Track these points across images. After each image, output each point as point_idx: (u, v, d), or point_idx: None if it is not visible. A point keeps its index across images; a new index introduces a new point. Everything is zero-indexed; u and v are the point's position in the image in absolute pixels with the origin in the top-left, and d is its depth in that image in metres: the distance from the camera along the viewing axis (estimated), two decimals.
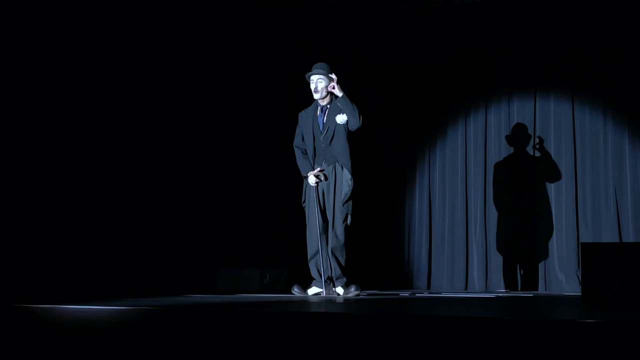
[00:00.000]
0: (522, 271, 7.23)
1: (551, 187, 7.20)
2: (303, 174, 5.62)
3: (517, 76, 7.42)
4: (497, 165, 7.41)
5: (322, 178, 5.54)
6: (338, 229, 5.47)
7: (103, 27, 5.86)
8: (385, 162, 7.78)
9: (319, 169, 5.56)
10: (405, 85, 7.75)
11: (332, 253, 5.44)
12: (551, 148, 7.24)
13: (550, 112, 7.30)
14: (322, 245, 5.47)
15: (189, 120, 6.64)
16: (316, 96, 5.56)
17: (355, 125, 5.45)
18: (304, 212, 5.66)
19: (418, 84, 7.71)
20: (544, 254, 7.15)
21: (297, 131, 5.71)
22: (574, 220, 7.08)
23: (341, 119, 5.50)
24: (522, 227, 7.27)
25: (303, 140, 5.66)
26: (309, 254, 5.56)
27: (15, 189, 5.19)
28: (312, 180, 5.52)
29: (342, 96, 5.44)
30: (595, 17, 6.98)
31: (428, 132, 7.79)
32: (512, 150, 7.39)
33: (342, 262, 5.45)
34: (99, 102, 5.84)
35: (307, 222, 5.61)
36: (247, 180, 7.06)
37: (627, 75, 6.97)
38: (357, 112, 5.43)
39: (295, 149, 5.69)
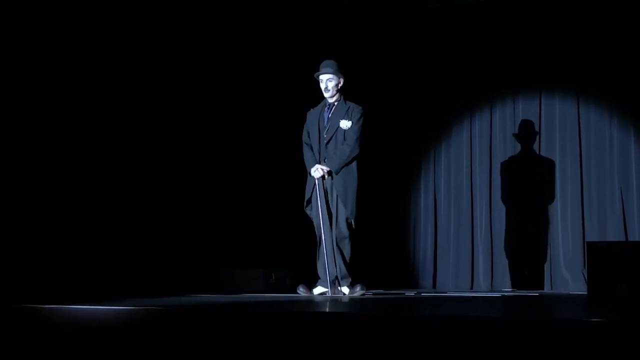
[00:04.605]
0: (527, 270, 7.20)
1: (557, 186, 7.17)
2: (308, 169, 5.63)
3: (520, 76, 7.38)
4: (503, 164, 7.38)
5: (326, 175, 5.54)
6: (341, 225, 5.49)
7: (103, 27, 5.85)
8: (389, 162, 7.75)
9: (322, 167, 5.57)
10: (406, 85, 7.72)
11: (338, 248, 5.46)
12: (557, 147, 7.21)
13: (555, 111, 7.27)
14: (327, 244, 5.48)
15: (191, 120, 6.63)
16: (326, 95, 5.59)
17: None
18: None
19: (419, 84, 7.67)
20: (550, 253, 7.12)
21: (305, 128, 5.75)
22: (579, 219, 7.04)
23: (345, 124, 5.53)
24: (527, 226, 7.23)
25: (309, 136, 5.69)
26: (318, 252, 5.57)
27: (19, 190, 5.20)
28: (314, 169, 5.52)
29: (335, 170, 5.49)
30: (598, 15, 6.94)
31: (432, 131, 7.76)
32: (517, 149, 7.36)
33: (347, 259, 5.46)
34: (101, 102, 5.84)
35: (313, 221, 5.62)
36: (250, 180, 7.05)
37: (632, 75, 6.93)
38: (354, 154, 5.51)
39: (304, 144, 5.72)
